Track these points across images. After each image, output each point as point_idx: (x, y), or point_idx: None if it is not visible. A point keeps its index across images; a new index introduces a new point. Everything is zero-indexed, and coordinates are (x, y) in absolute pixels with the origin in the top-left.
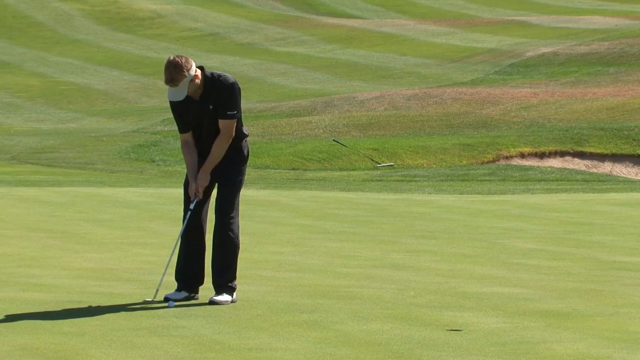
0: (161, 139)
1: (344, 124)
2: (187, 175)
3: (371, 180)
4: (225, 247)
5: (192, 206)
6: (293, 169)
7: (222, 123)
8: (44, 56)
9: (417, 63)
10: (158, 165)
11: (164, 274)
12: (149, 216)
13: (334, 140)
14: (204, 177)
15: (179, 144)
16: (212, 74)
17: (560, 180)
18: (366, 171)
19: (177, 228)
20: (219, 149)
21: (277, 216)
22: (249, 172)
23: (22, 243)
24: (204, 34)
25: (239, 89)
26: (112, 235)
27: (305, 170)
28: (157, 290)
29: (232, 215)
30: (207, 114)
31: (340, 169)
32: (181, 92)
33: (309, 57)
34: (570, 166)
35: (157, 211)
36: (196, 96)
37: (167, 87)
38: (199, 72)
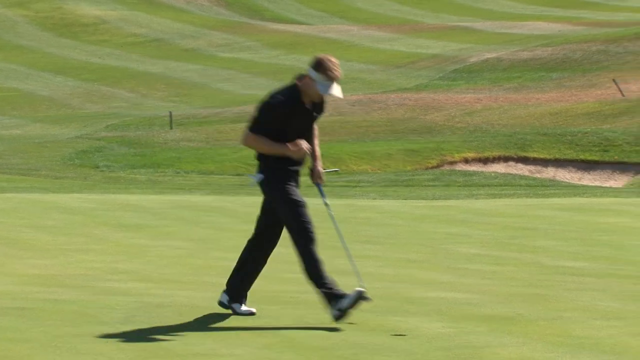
0: (105, 144)
1: None
2: (287, 191)
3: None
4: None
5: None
6: (238, 174)
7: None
8: None
9: (361, 69)
10: (102, 171)
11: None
12: (93, 222)
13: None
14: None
15: (122, 150)
16: None
17: (504, 186)
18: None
19: (122, 234)
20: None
21: (222, 222)
22: (192, 177)
23: None
24: (148, 40)
25: None
26: (56, 241)
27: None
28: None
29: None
30: (310, 121)
31: None
32: (339, 90)
33: (254, 62)
34: (514, 171)
35: (102, 217)
36: (309, 102)
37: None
38: None
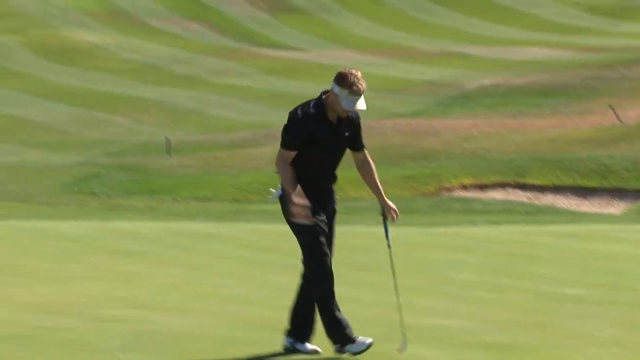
0: (103, 171)
1: None
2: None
3: None
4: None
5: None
6: (235, 200)
7: (363, 154)
8: None
9: None
10: (100, 197)
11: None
12: (90, 250)
13: (274, 172)
14: (389, 202)
15: (120, 176)
16: None
17: (503, 212)
18: None
19: (119, 261)
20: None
21: (219, 249)
22: (189, 204)
23: None
24: (143, 66)
25: None
26: (54, 269)
27: (247, 202)
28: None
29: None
30: (339, 140)
31: None
32: (363, 102)
33: (249, 88)
34: (513, 198)
35: (99, 244)
36: (333, 118)
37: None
38: None
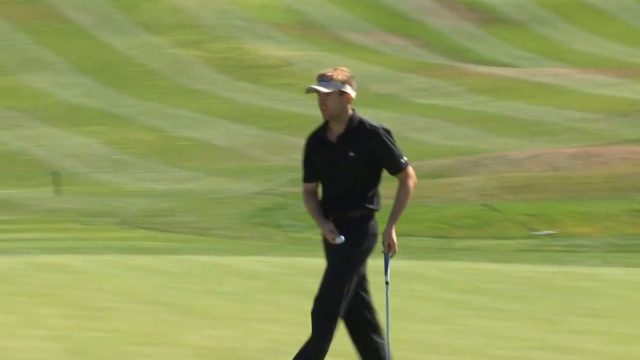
0: (289, 201)
1: (495, 186)
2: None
3: (527, 250)
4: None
5: (338, 241)
6: (438, 236)
7: (400, 176)
8: (158, 108)
9: (579, 117)
10: (286, 231)
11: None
12: (276, 289)
13: (483, 204)
14: (393, 234)
15: None
16: (361, 117)
17: None
18: (521, 240)
19: (307, 302)
20: (406, 200)
21: (421, 290)
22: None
23: (135, 318)
24: None
25: (391, 132)
26: (235, 309)
27: (451, 238)
28: None
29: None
30: (342, 161)
31: (492, 237)
32: (327, 85)
33: (456, 110)
34: None
35: (286, 283)
36: (333, 136)
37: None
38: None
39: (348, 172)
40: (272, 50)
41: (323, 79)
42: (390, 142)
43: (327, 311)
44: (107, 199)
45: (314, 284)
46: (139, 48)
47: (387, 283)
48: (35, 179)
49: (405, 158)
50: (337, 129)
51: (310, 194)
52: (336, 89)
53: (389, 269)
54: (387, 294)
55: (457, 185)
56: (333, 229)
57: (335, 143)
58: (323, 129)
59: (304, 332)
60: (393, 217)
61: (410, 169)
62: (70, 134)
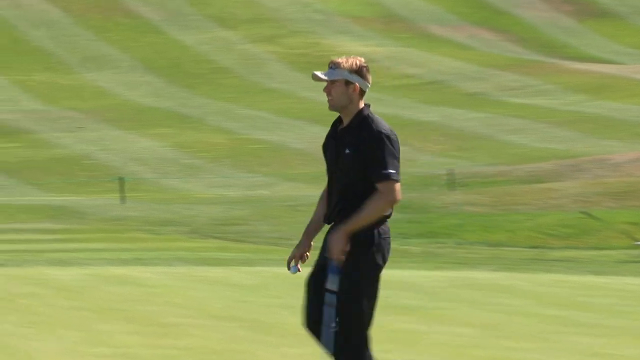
0: None
1: (595, 192)
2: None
3: (630, 262)
4: None
5: (291, 271)
6: (533, 246)
7: (378, 187)
8: (230, 108)
9: None
10: None
11: None
12: None
13: (582, 212)
14: (339, 238)
15: (394, 215)
16: (369, 114)
17: None
18: (624, 250)
19: (392, 317)
20: (370, 210)
21: (514, 304)
22: (476, 249)
23: (206, 334)
24: (423, 82)
25: (396, 141)
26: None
27: (547, 248)
28: None
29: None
30: (338, 158)
31: (591, 248)
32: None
33: (552, 110)
34: None
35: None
36: (341, 130)
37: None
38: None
39: (347, 170)
40: (353, 46)
41: (331, 67)
42: (386, 147)
43: (355, 356)
44: (175, 206)
45: (399, 298)
46: (209, 44)
47: (327, 290)
48: (99, 185)
49: (394, 171)
50: (345, 122)
51: (322, 198)
52: (342, 78)
53: (331, 276)
54: (325, 303)
55: (554, 191)
56: (292, 257)
57: (339, 137)
58: (338, 122)
59: (385, 349)
60: (347, 222)
61: (395, 186)
62: (136, 136)
